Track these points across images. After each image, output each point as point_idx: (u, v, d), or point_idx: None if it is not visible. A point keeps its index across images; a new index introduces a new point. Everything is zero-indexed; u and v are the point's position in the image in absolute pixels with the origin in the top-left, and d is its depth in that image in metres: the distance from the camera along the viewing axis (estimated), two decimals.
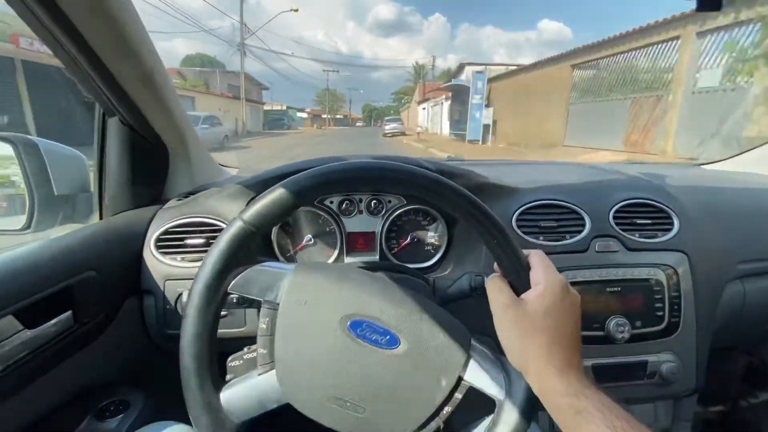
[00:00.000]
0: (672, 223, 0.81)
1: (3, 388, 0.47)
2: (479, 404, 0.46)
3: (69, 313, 0.57)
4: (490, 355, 0.46)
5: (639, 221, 0.80)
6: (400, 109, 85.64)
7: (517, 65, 15.50)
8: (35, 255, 0.56)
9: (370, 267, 0.77)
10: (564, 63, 10.30)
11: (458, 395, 0.44)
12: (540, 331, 0.38)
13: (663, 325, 0.76)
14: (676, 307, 0.76)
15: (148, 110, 0.71)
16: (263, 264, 0.46)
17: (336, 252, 0.85)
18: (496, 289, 0.43)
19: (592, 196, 0.83)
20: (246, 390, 0.44)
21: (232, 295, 0.46)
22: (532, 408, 0.42)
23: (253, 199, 0.75)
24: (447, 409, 0.43)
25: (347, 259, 0.85)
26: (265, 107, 38.35)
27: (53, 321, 0.54)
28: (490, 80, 15.06)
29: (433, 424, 0.43)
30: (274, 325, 0.44)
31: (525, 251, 0.45)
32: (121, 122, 0.72)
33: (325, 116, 63.68)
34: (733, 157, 1.45)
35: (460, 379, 0.44)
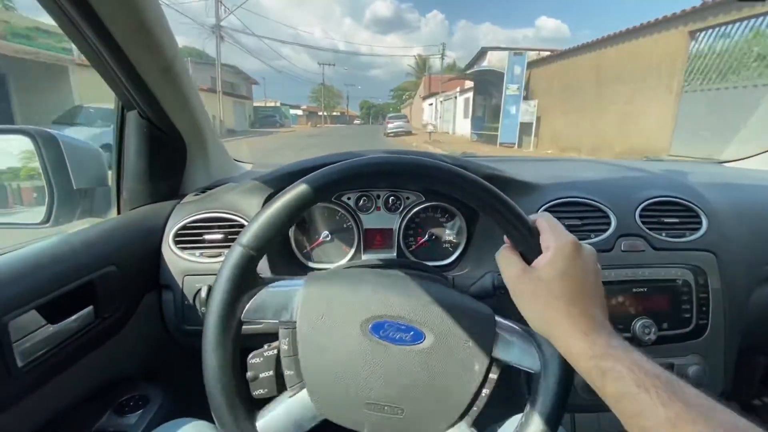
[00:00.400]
0: (700, 222, 0.78)
1: (25, 383, 0.47)
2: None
3: (90, 308, 0.56)
4: (517, 329, 0.46)
5: (666, 220, 0.77)
6: (400, 106, 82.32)
7: (551, 50, 11.96)
8: (56, 249, 0.55)
9: (387, 264, 0.76)
10: (675, 28, 6.65)
11: (493, 375, 0.44)
12: (557, 296, 0.37)
13: (690, 328, 0.74)
14: (704, 309, 0.74)
15: (167, 102, 0.70)
16: (272, 285, 0.46)
17: (353, 249, 0.84)
18: (506, 262, 0.41)
19: (617, 193, 0.80)
20: (281, 415, 0.44)
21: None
22: (570, 375, 0.41)
23: (271, 196, 0.75)
24: (485, 392, 0.43)
25: (364, 256, 0.84)
26: (255, 103, 36.17)
27: (75, 316, 0.53)
28: (530, 65, 11.57)
29: (474, 409, 0.43)
30: (295, 344, 0.44)
31: (531, 216, 0.44)
32: (139, 115, 0.72)
33: (321, 113, 60.20)
34: (757, 155, 1.42)
35: (492, 359, 0.44)
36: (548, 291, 0.38)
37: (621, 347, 0.34)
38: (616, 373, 0.31)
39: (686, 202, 0.79)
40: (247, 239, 0.42)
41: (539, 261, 0.40)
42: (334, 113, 73.20)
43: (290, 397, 0.44)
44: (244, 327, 0.44)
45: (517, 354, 0.44)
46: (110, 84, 0.65)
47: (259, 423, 0.43)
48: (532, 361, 0.43)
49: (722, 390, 0.77)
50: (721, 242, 0.77)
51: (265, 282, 0.46)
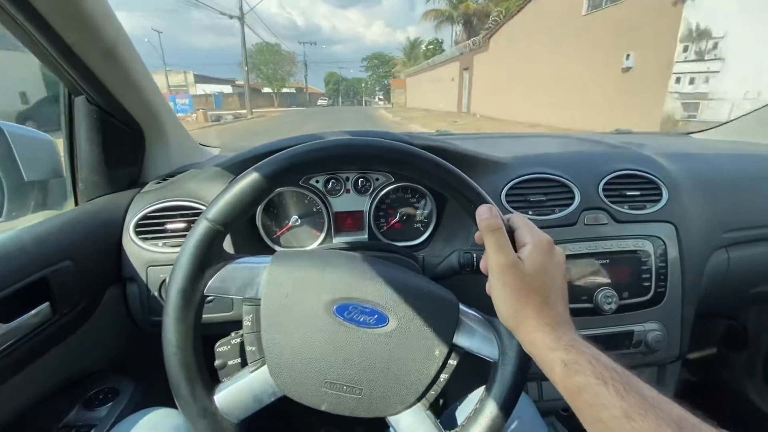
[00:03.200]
0: (661, 194, 0.80)
1: None
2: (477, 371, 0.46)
3: (46, 304, 0.55)
4: (480, 318, 0.47)
5: (628, 193, 0.79)
6: (382, 77, 70.88)
7: None
8: (6, 246, 0.53)
9: (359, 247, 0.76)
10: None
11: (452, 362, 0.45)
12: (533, 292, 0.38)
13: (649, 296, 0.77)
14: (662, 277, 0.77)
15: (115, 86, 0.66)
16: (238, 261, 0.45)
17: (323, 232, 0.84)
18: (495, 248, 0.40)
19: (582, 168, 0.82)
20: (240, 389, 0.44)
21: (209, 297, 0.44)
22: (526, 364, 0.43)
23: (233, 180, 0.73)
24: (443, 377, 0.44)
25: (335, 239, 0.84)
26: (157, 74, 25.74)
27: (30, 313, 0.52)
28: None
29: (431, 393, 0.44)
30: (258, 321, 0.44)
31: (505, 216, 0.45)
32: (88, 101, 0.68)
33: (267, 91, 43.85)
34: (721, 125, 1.45)
35: (453, 345, 0.45)
36: (526, 285, 0.39)
37: (582, 343, 0.35)
38: (578, 365, 0.33)
39: (648, 175, 0.81)
40: (213, 213, 0.41)
41: (521, 255, 0.41)
42: (285, 89, 51.65)
43: (251, 372, 0.44)
44: (208, 316, 0.44)
45: (477, 342, 0.45)
46: (51, 69, 0.61)
47: (218, 396, 0.43)
48: (490, 350, 0.45)
49: (679, 353, 0.81)
50: (681, 213, 0.80)
51: (231, 258, 0.45)
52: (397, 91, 43.94)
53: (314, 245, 0.84)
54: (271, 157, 0.43)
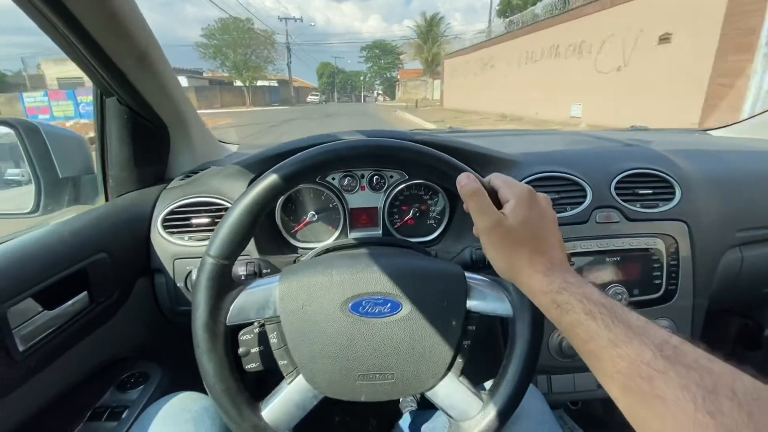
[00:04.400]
0: (674, 193, 0.81)
1: (27, 366, 0.50)
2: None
3: (84, 293, 0.59)
4: (486, 279, 0.49)
5: (640, 191, 0.80)
6: (384, 69, 62.18)
7: None
8: (46, 239, 0.57)
9: (373, 242, 0.79)
10: None
11: (471, 327, 0.47)
12: (521, 245, 0.40)
13: (660, 293, 0.78)
14: (673, 275, 0.78)
15: (145, 89, 0.70)
16: (249, 287, 0.48)
17: (339, 228, 0.86)
18: (477, 210, 0.42)
19: (594, 166, 0.82)
20: (283, 401, 0.47)
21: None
22: (541, 315, 0.44)
23: (254, 179, 0.76)
24: (466, 344, 0.47)
25: (351, 235, 0.86)
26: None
27: (70, 302, 0.56)
28: None
29: (459, 361, 0.47)
30: (283, 335, 0.47)
31: (485, 178, 0.46)
32: (118, 102, 0.72)
33: (238, 84, 32.49)
34: (741, 122, 1.43)
35: (467, 312, 0.47)
36: (513, 238, 0.40)
37: (576, 283, 0.37)
38: (569, 305, 0.35)
39: (660, 173, 0.81)
40: (215, 250, 0.44)
41: (504, 210, 0.42)
42: (264, 83, 36.50)
43: (288, 383, 0.47)
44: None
45: (489, 303, 0.47)
46: (86, 71, 0.65)
47: (264, 412, 0.46)
48: (504, 307, 0.47)
49: None
50: (693, 211, 0.80)
51: (242, 284, 0.48)
52: (412, 83, 36.79)
53: (330, 240, 0.86)
54: (258, 180, 0.45)
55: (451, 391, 0.47)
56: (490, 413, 0.46)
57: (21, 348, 0.48)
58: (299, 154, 0.46)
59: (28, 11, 0.52)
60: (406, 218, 0.87)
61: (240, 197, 0.44)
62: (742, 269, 0.86)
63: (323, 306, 0.46)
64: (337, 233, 0.87)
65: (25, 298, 0.49)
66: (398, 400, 1.18)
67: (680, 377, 0.26)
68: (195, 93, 24.44)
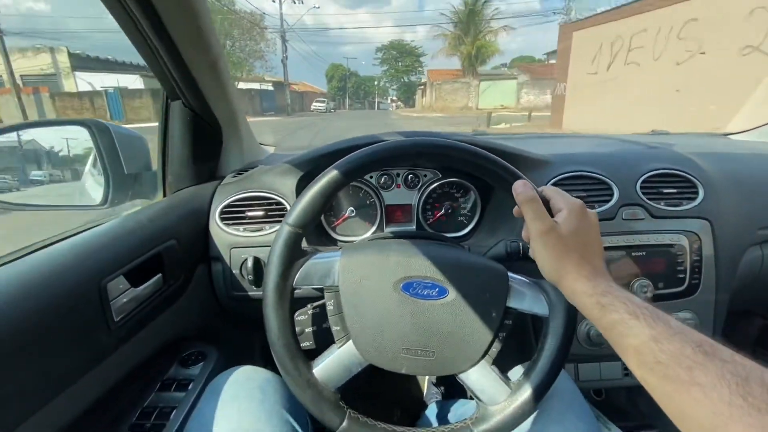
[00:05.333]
0: (697, 192, 0.85)
1: (120, 335, 0.57)
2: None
3: (159, 275, 0.66)
4: (527, 281, 0.54)
5: (665, 190, 0.84)
6: (401, 72, 53.71)
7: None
8: (131, 224, 0.64)
9: (408, 236, 0.84)
10: None
11: (508, 321, 0.52)
12: (571, 251, 0.45)
13: (684, 287, 0.82)
14: (696, 270, 0.82)
15: (210, 94, 0.77)
16: (315, 256, 0.53)
17: (376, 223, 0.92)
18: (532, 216, 0.46)
19: (620, 167, 0.87)
20: (333, 362, 0.51)
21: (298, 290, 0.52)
22: (574, 315, 0.49)
23: (302, 177, 0.83)
24: (501, 335, 0.52)
25: (386, 230, 0.92)
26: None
27: (150, 282, 0.63)
28: None
29: (493, 350, 0.52)
30: (339, 304, 0.52)
31: (539, 188, 0.51)
32: (183, 105, 0.79)
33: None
34: (760, 126, 1.45)
35: (507, 308, 0.52)
36: (564, 246, 0.45)
37: (617, 288, 0.41)
38: (613, 306, 0.39)
39: (684, 174, 0.85)
40: (293, 219, 0.50)
41: (557, 219, 0.47)
42: (254, 85, 27.45)
43: (339, 347, 0.52)
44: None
45: (528, 303, 0.52)
46: (160, 78, 0.72)
47: (316, 370, 0.51)
48: (541, 308, 0.52)
49: None
50: (716, 210, 0.84)
51: (309, 254, 0.54)
52: (449, 86, 25.88)
53: (367, 234, 0.93)
54: (335, 165, 0.50)
55: (483, 377, 0.51)
56: (517, 401, 0.50)
57: (116, 318, 0.55)
58: (367, 147, 0.52)
59: (121, 21, 0.59)
60: (438, 215, 0.93)
61: (318, 177, 0.50)
62: (763, 266, 0.89)
63: (379, 282, 0.51)
64: (373, 228, 0.93)
65: (118, 275, 0.56)
66: (422, 393, 1.22)
67: (717, 368, 0.30)
68: (152, 98, 15.62)
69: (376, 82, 65.23)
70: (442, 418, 0.69)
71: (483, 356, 0.51)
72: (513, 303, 0.52)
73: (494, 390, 0.51)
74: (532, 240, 0.48)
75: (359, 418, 0.50)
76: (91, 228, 0.62)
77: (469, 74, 26.51)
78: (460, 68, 27.98)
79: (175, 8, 0.58)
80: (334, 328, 0.53)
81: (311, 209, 0.50)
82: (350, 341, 0.51)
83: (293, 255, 0.51)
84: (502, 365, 0.54)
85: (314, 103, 36.46)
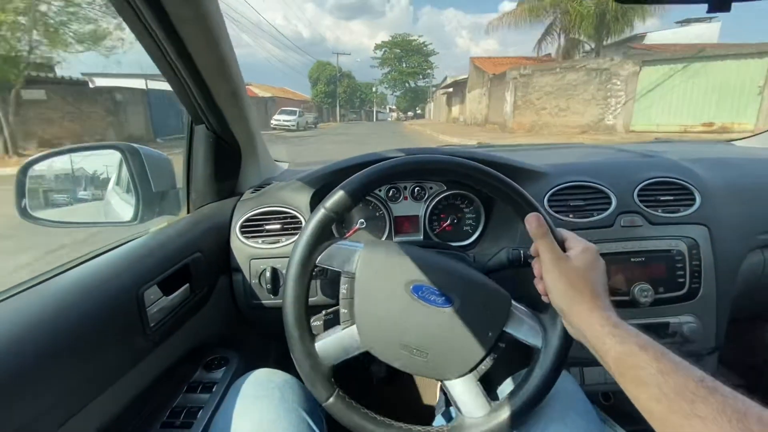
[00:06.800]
0: (694, 199, 0.88)
1: (154, 339, 0.63)
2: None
3: (187, 285, 0.72)
4: (528, 312, 0.57)
5: (662, 198, 0.88)
6: (407, 75, 44.21)
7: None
8: (162, 238, 0.71)
9: (418, 246, 0.89)
10: None
11: (501, 345, 0.55)
12: (584, 281, 0.48)
13: (684, 291, 0.84)
14: (696, 274, 0.85)
15: (232, 118, 0.85)
16: (339, 242, 0.59)
17: (385, 234, 0.98)
18: (547, 248, 0.51)
19: (618, 176, 0.91)
20: (334, 341, 0.56)
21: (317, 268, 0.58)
22: (565, 354, 0.53)
23: (316, 192, 0.89)
24: (492, 356, 0.55)
25: (395, 240, 0.97)
26: None
27: (181, 290, 0.69)
28: None
29: (482, 367, 0.55)
30: (352, 290, 0.56)
31: (557, 230, 0.54)
32: (206, 128, 0.87)
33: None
34: (764, 132, 1.47)
35: (503, 331, 0.55)
36: (577, 276, 0.49)
37: (626, 324, 0.45)
38: (623, 337, 0.42)
39: (681, 181, 0.89)
40: (330, 204, 0.55)
41: (571, 253, 0.51)
42: (138, 83, 11.46)
43: (342, 329, 0.56)
44: (309, 299, 0.57)
45: (524, 332, 0.55)
46: (185, 104, 0.80)
47: (317, 344, 0.56)
48: (535, 339, 0.55)
49: (715, 344, 0.87)
50: (714, 215, 0.87)
51: (335, 239, 0.59)
52: (552, 78, 11.65)
53: None
54: (370, 168, 0.56)
55: (467, 390, 0.54)
56: (495, 420, 0.53)
57: (151, 324, 0.61)
58: (390, 160, 0.57)
59: (151, 52, 0.66)
60: (444, 225, 0.98)
61: (355, 175, 0.56)
62: (765, 271, 0.91)
63: (392, 279, 0.55)
64: (383, 239, 0.98)
65: (153, 285, 0.63)
66: (435, 401, 1.24)
67: (718, 402, 0.32)
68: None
69: (374, 89, 54.58)
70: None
71: (471, 370, 0.54)
72: (510, 329, 0.55)
73: (474, 405, 0.54)
74: (546, 270, 0.50)
75: (345, 398, 0.54)
76: (126, 242, 0.68)
77: (600, 50, 13.40)
78: (529, 55, 16.37)
79: (201, 42, 0.65)
80: (342, 311, 0.57)
81: (345, 201, 0.55)
82: (354, 326, 0.56)
83: (322, 235, 0.56)
84: (488, 384, 0.57)
85: (276, 117, 22.61)
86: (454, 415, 0.58)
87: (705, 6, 0.51)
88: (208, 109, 0.79)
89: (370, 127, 29.24)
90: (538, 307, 0.57)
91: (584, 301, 0.47)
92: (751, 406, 0.31)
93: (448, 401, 1.15)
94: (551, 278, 0.50)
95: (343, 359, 0.56)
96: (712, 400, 0.33)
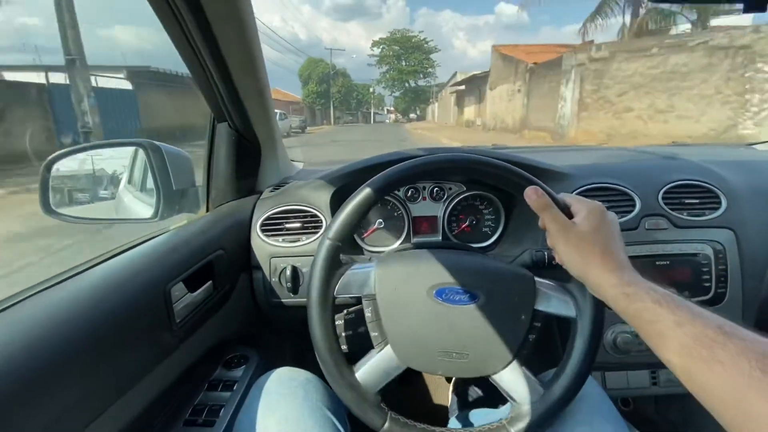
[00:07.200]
0: (719, 202, 0.86)
1: (180, 336, 0.63)
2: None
3: (210, 282, 0.72)
4: (554, 285, 0.57)
5: (687, 201, 0.86)
6: (407, 74, 41.13)
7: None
8: (185, 235, 0.71)
9: (435, 247, 0.89)
10: None
11: (537, 324, 0.55)
12: (593, 245, 0.47)
13: (710, 296, 0.83)
14: (722, 279, 0.83)
15: (256, 117, 0.85)
16: (353, 267, 0.58)
17: (403, 234, 0.97)
18: (552, 219, 0.50)
19: (642, 178, 0.90)
20: (373, 367, 0.55)
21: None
22: (601, 315, 0.52)
23: (336, 191, 0.89)
24: (531, 337, 0.55)
25: (413, 240, 0.97)
26: None
27: (204, 287, 0.69)
28: None
29: (524, 351, 0.55)
30: (377, 311, 0.56)
31: (559, 194, 0.54)
32: (228, 126, 0.87)
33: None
34: None
35: (535, 311, 0.55)
36: (585, 241, 0.48)
37: (642, 279, 0.44)
38: (637, 296, 0.42)
39: (706, 184, 0.87)
40: (333, 234, 0.54)
41: (576, 219, 0.50)
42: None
43: (378, 352, 0.55)
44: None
45: (555, 305, 0.55)
46: (209, 101, 0.80)
47: (358, 374, 0.54)
48: (567, 310, 0.55)
49: None
50: (740, 219, 0.85)
51: (346, 264, 0.58)
52: (649, 62, 7.22)
53: (395, 245, 0.97)
54: (369, 182, 0.55)
55: (515, 377, 0.54)
56: (550, 399, 0.53)
57: (177, 320, 0.61)
58: (397, 165, 0.56)
59: (181, 48, 0.66)
60: (463, 226, 0.97)
61: (354, 194, 0.55)
62: None
63: (413, 289, 0.55)
64: (401, 239, 0.97)
65: (178, 281, 0.63)
66: (447, 402, 1.24)
67: (737, 346, 0.32)
68: None
69: (371, 89, 51.33)
70: (469, 425, 0.72)
71: (514, 357, 0.54)
72: (540, 306, 0.55)
73: (526, 390, 0.54)
74: (556, 241, 0.51)
75: (399, 419, 0.54)
76: (151, 238, 0.68)
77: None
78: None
79: (233, 40, 0.65)
80: (373, 334, 0.56)
81: (349, 224, 0.55)
82: (388, 346, 0.55)
83: (333, 265, 0.55)
84: (532, 367, 0.56)
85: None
86: (477, 412, 0.57)
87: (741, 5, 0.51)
88: (233, 107, 0.80)
89: (367, 131, 25.68)
90: (565, 276, 0.56)
91: (596, 265, 0.47)
92: None
93: (461, 403, 1.15)
94: (562, 250, 0.50)
95: (386, 382, 0.55)
96: (730, 344, 0.33)
